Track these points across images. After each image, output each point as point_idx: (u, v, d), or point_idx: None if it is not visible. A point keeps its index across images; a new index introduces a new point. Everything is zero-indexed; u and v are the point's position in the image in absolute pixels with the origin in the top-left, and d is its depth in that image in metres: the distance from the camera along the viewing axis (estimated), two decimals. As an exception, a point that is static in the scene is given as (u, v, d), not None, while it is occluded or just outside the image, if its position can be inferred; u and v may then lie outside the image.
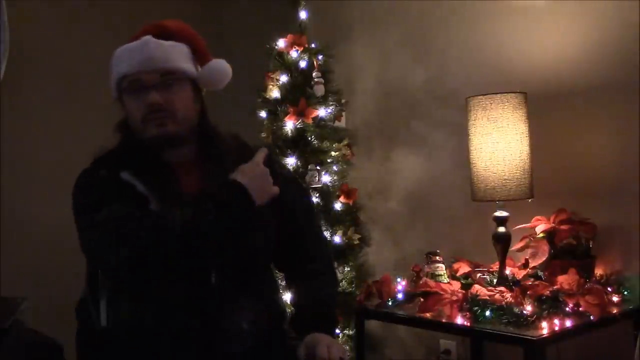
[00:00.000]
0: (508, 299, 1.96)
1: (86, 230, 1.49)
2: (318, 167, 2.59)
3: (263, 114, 2.68)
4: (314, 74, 2.62)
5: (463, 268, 2.31)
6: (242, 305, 1.53)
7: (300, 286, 1.70)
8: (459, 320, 1.97)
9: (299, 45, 2.64)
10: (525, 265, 2.22)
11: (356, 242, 2.60)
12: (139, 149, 1.56)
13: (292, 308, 1.73)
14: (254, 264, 1.60)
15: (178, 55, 1.57)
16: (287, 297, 2.43)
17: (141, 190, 1.50)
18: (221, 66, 1.66)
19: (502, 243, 2.17)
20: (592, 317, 1.91)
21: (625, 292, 2.06)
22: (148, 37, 1.55)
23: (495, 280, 2.18)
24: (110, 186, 1.50)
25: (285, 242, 1.69)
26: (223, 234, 1.44)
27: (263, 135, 2.67)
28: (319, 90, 2.61)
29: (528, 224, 2.23)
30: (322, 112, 2.61)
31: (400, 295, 2.22)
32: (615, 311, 1.98)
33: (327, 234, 2.55)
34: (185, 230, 1.39)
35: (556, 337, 1.84)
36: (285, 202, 1.64)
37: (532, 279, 2.13)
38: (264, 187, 1.48)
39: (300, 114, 2.56)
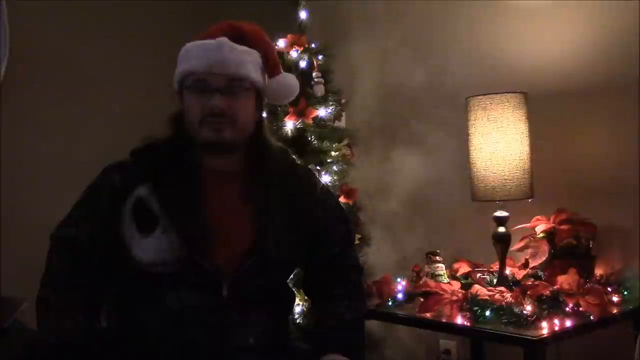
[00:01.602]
0: (508, 299, 1.96)
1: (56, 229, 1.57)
2: (318, 167, 2.58)
3: (263, 114, 2.67)
4: (314, 74, 2.62)
5: (463, 268, 2.31)
6: (251, 321, 1.51)
7: (324, 309, 1.63)
8: (459, 320, 1.97)
9: (299, 45, 2.64)
10: (525, 265, 2.22)
11: (356, 242, 2.60)
12: (185, 148, 1.54)
13: (315, 330, 1.67)
14: (268, 284, 1.57)
15: (250, 62, 1.54)
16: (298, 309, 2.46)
17: (154, 209, 1.49)
18: (291, 82, 1.65)
19: (502, 243, 2.17)
20: (592, 317, 1.91)
21: (625, 292, 2.06)
22: (223, 39, 1.52)
23: (495, 280, 2.18)
24: (112, 200, 1.51)
25: (316, 269, 1.68)
26: None
27: (263, 135, 2.67)
28: (319, 90, 2.61)
29: (528, 224, 2.23)
30: (322, 112, 2.60)
31: (400, 295, 2.22)
32: (615, 311, 1.98)
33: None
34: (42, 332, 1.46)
35: (556, 337, 1.84)
36: (322, 232, 1.64)
37: (532, 279, 2.13)
38: None
39: (300, 114, 2.56)
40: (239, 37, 1.56)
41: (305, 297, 2.38)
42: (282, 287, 1.66)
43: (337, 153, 2.63)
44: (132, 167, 1.55)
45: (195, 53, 1.52)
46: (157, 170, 1.52)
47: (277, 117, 2.62)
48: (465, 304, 2.00)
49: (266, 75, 1.60)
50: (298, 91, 1.67)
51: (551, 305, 1.92)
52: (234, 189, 1.55)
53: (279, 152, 1.67)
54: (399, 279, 2.32)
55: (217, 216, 1.50)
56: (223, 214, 1.52)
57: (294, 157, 1.71)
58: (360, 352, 1.60)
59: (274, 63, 1.61)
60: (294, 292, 1.78)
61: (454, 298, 2.03)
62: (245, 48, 1.54)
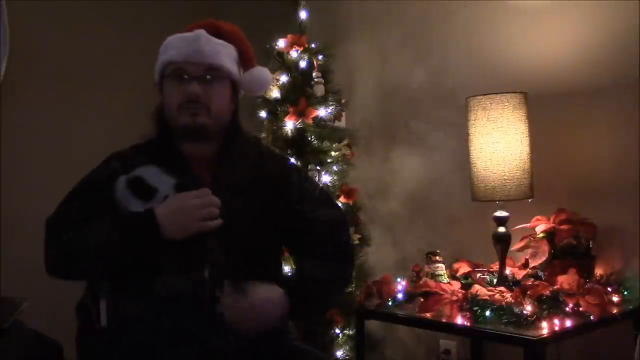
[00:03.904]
0: (508, 299, 1.96)
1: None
2: (318, 167, 2.58)
3: (263, 114, 2.68)
4: (314, 74, 2.62)
5: (463, 268, 2.31)
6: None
7: (303, 262, 1.66)
8: (459, 320, 1.97)
9: (299, 45, 2.64)
10: (525, 265, 2.22)
11: (356, 242, 2.60)
12: (167, 139, 1.62)
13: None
14: (251, 265, 1.58)
15: (225, 54, 1.63)
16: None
17: (150, 182, 1.54)
18: (263, 75, 1.74)
19: (502, 243, 2.17)
20: (592, 317, 1.91)
21: (625, 292, 2.06)
22: (201, 31, 1.62)
23: (495, 280, 2.18)
24: (109, 182, 1.56)
25: (305, 250, 1.69)
26: (127, 259, 1.49)
27: (263, 135, 2.67)
28: (319, 90, 2.61)
29: (528, 224, 2.23)
30: (322, 112, 2.60)
31: (400, 295, 2.22)
32: (615, 311, 1.98)
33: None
34: (91, 252, 1.50)
35: (556, 337, 1.84)
36: (303, 216, 1.66)
37: (532, 279, 2.13)
38: (184, 222, 1.48)
39: (300, 114, 2.56)
40: (216, 33, 1.65)
41: None
42: (267, 274, 1.64)
43: (337, 153, 2.64)
44: (131, 154, 1.65)
45: (175, 44, 1.62)
46: (151, 156, 1.61)
47: (277, 117, 2.62)
48: (465, 304, 2.00)
49: (241, 69, 1.69)
50: (271, 83, 1.71)
51: (551, 305, 1.91)
52: (209, 174, 1.62)
53: (252, 140, 1.75)
54: (399, 279, 2.32)
55: None
56: None
57: (266, 146, 1.80)
58: (311, 309, 1.64)
59: (248, 57, 1.70)
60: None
61: (454, 298, 2.03)
62: (221, 41, 1.64)
